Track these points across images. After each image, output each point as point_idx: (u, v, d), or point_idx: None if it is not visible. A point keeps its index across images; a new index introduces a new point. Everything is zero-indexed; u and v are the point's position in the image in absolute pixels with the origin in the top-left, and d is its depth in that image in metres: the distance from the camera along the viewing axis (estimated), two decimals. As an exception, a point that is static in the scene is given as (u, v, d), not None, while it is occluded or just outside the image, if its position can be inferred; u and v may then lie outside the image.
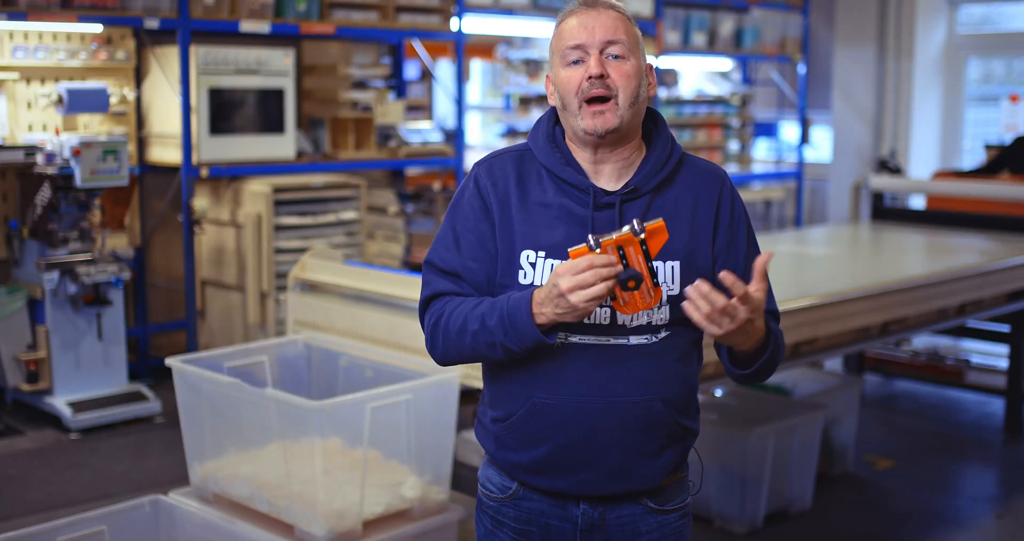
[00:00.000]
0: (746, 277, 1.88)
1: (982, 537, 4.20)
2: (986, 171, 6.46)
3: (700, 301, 1.76)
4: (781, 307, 3.56)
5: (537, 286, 1.86)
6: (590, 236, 1.77)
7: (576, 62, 1.89)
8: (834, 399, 4.63)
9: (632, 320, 1.88)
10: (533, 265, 1.89)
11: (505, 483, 2.02)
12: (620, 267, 1.76)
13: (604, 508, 1.97)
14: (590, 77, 1.86)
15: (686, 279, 1.89)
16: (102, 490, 4.37)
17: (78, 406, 5.04)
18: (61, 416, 5.04)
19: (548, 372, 1.90)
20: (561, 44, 1.92)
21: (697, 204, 1.94)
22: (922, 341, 6.35)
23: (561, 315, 1.78)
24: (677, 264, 1.90)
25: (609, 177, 1.93)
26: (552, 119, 2.00)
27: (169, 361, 3.36)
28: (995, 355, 6.17)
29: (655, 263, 1.85)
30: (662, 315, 1.90)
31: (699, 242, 1.93)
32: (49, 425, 5.12)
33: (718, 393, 4.54)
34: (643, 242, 1.76)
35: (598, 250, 1.76)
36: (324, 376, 3.63)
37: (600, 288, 1.74)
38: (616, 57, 1.88)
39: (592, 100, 1.87)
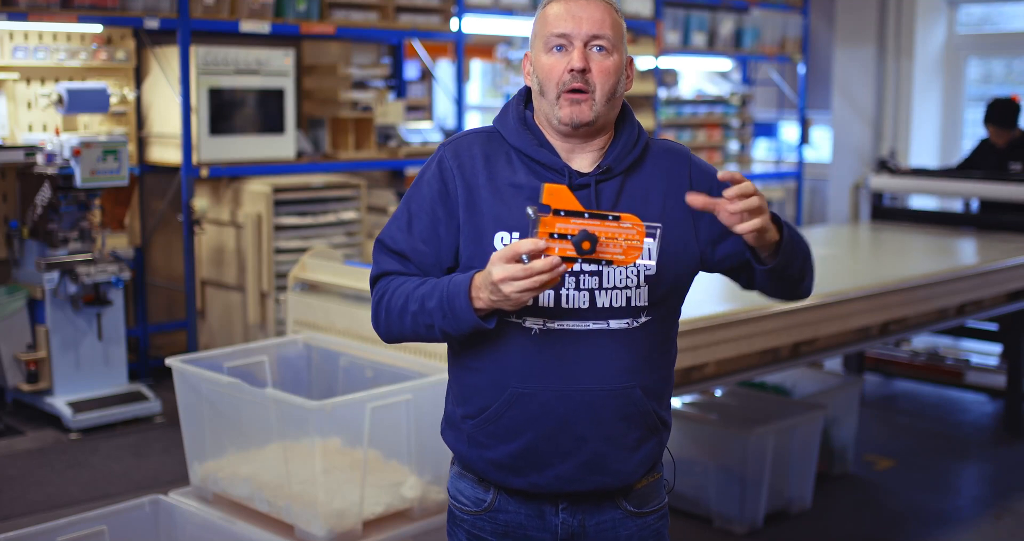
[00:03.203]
0: (736, 241, 1.92)
1: (982, 537, 4.20)
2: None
3: (738, 201, 1.74)
4: (781, 307, 3.60)
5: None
6: (528, 209, 1.72)
7: (559, 48, 1.87)
8: (834, 399, 4.63)
9: (612, 302, 1.86)
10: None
11: (479, 495, 1.98)
12: (554, 259, 1.69)
13: (584, 515, 1.94)
14: (571, 70, 1.85)
15: (664, 256, 1.89)
16: (102, 490, 4.37)
17: (78, 406, 5.04)
18: (61, 416, 5.04)
19: (524, 360, 1.87)
20: (546, 29, 1.89)
21: (669, 182, 1.94)
22: (922, 341, 6.36)
23: (496, 303, 1.75)
24: (654, 242, 1.89)
25: (581, 163, 1.92)
26: (521, 102, 1.98)
27: (169, 361, 3.35)
28: (995, 355, 6.17)
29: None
30: (642, 296, 1.88)
31: (676, 218, 1.92)
32: (49, 425, 5.12)
33: (718, 393, 4.54)
34: (556, 211, 1.71)
35: (535, 222, 1.71)
36: (324, 376, 3.63)
37: (533, 281, 1.69)
38: (600, 50, 1.87)
39: (570, 90, 1.86)
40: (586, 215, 1.72)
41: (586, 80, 1.86)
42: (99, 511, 3.14)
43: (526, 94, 1.99)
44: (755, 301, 3.52)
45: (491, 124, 2.00)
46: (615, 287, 1.86)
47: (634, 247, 1.74)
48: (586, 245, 1.70)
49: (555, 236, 1.71)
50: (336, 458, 3.12)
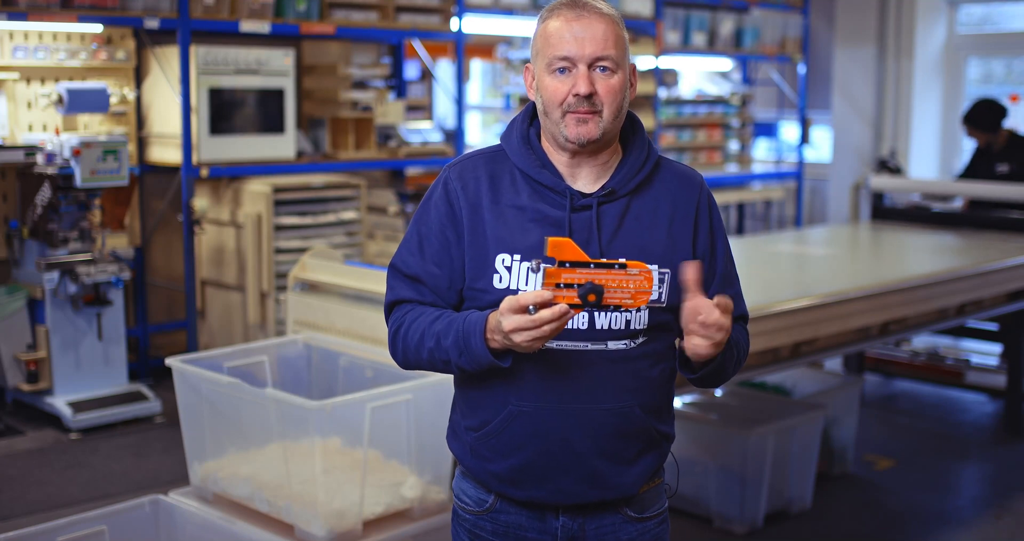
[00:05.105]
0: (720, 287, 1.94)
1: (982, 537, 4.20)
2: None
3: (714, 331, 1.76)
4: (781, 307, 3.60)
5: (516, 290, 1.84)
6: (531, 263, 1.73)
7: (562, 70, 1.84)
8: (834, 399, 4.63)
9: (611, 324, 1.86)
10: (509, 269, 1.86)
11: (481, 496, 1.99)
12: (560, 308, 1.69)
13: (584, 519, 1.95)
14: (576, 94, 1.83)
15: (669, 282, 1.89)
16: (102, 490, 4.37)
17: (78, 406, 5.04)
18: (61, 416, 5.04)
19: (524, 379, 1.87)
20: (548, 50, 1.85)
21: (675, 208, 1.92)
22: (922, 341, 6.36)
23: (510, 346, 1.76)
24: (656, 267, 1.88)
25: (586, 179, 1.91)
26: (526, 120, 1.96)
27: (169, 361, 3.35)
28: (995, 355, 6.17)
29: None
30: (641, 319, 1.88)
31: (678, 246, 1.91)
32: (49, 425, 5.12)
33: (718, 393, 4.54)
34: (562, 263, 1.71)
35: (541, 275, 1.70)
36: (324, 376, 3.63)
37: (541, 331, 1.70)
38: (604, 70, 1.84)
39: (575, 111, 1.84)
40: (592, 266, 1.71)
41: (593, 102, 1.83)
42: (99, 511, 3.15)
43: (532, 110, 1.97)
44: (755, 301, 3.52)
45: (498, 142, 2.00)
46: (615, 310, 1.86)
47: (643, 291, 1.73)
48: (591, 297, 1.70)
49: (561, 286, 1.71)
50: (336, 458, 3.12)
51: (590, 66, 1.83)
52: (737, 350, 1.94)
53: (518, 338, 1.71)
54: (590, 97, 1.83)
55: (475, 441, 1.95)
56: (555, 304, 1.70)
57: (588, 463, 1.90)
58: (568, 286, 1.71)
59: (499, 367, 1.81)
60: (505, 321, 1.72)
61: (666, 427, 1.98)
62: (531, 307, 1.69)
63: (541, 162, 1.91)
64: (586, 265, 1.71)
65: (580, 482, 1.91)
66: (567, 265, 1.71)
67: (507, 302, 1.72)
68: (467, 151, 6.66)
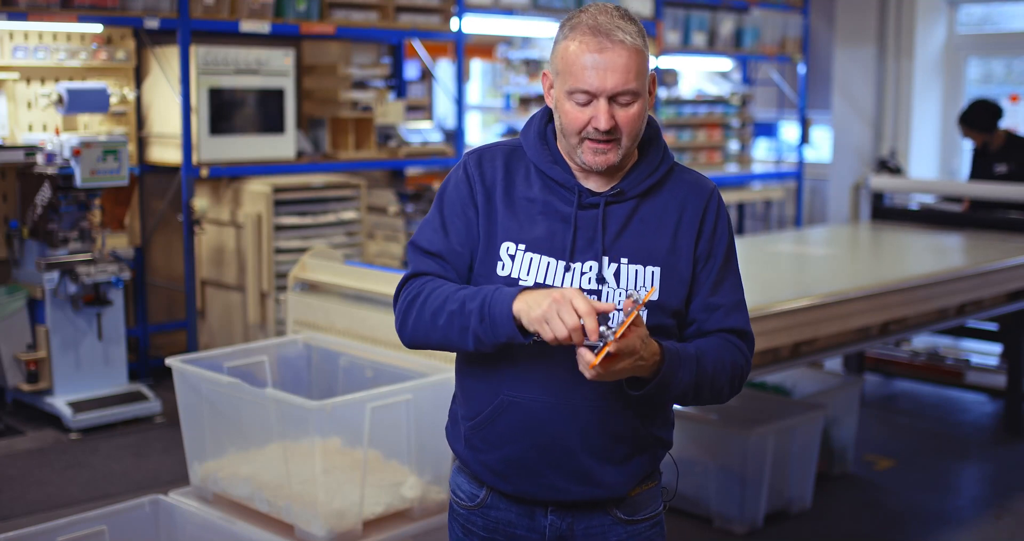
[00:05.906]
0: (713, 295, 1.91)
1: (982, 537, 4.20)
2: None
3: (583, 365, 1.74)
4: (781, 307, 3.60)
5: (516, 279, 1.86)
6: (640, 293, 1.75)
7: (583, 100, 1.83)
8: (834, 399, 4.63)
9: (609, 323, 1.84)
10: (512, 257, 1.89)
11: (474, 490, 2.00)
12: (583, 349, 1.72)
13: (573, 519, 1.95)
14: (596, 128, 1.82)
15: (665, 285, 1.89)
16: (102, 490, 4.37)
17: (78, 406, 5.04)
18: (61, 416, 5.04)
19: (519, 370, 1.88)
20: (569, 79, 1.83)
21: (683, 213, 1.92)
22: (922, 341, 6.36)
23: (525, 311, 1.74)
24: (658, 270, 1.88)
25: (598, 179, 1.92)
26: (544, 118, 1.98)
27: (169, 361, 3.35)
28: (995, 355, 6.18)
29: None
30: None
31: (681, 250, 1.91)
32: (49, 425, 5.12)
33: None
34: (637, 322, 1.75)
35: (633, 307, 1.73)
36: (324, 376, 3.63)
37: (563, 332, 1.69)
38: (626, 103, 1.83)
39: (594, 140, 1.84)
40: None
41: (611, 132, 1.83)
42: (99, 511, 3.15)
43: (550, 110, 1.97)
44: (755, 301, 3.52)
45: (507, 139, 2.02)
46: (614, 308, 1.85)
47: (607, 361, 1.73)
48: (603, 347, 1.71)
49: (615, 324, 1.72)
50: (336, 458, 3.12)
51: (611, 99, 1.82)
52: (713, 367, 1.88)
53: (552, 314, 1.69)
54: (610, 131, 1.83)
55: (469, 431, 1.96)
56: (592, 344, 1.71)
57: (577, 460, 1.90)
58: (605, 332, 1.72)
59: (516, 343, 1.78)
60: (580, 302, 1.69)
61: (660, 431, 1.97)
62: (608, 325, 1.71)
63: (554, 158, 1.93)
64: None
65: (568, 478, 1.91)
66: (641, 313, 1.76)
67: (595, 304, 1.71)
68: (467, 150, 6.67)
